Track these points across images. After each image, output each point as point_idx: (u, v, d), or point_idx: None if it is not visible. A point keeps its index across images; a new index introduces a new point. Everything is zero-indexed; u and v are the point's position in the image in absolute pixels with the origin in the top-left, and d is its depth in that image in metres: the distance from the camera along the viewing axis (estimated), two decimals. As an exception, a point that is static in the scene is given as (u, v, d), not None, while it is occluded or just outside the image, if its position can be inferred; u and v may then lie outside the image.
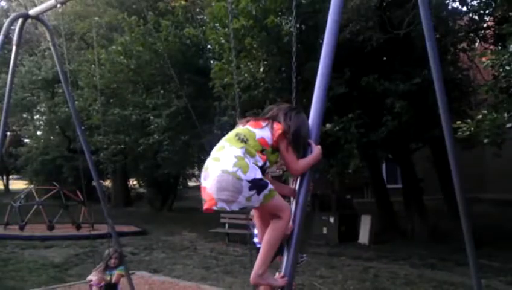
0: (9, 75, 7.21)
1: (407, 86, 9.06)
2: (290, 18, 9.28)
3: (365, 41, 9.38)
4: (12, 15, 7.10)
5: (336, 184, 15.81)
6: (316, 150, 2.78)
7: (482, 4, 9.92)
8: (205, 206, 2.62)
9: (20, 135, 27.26)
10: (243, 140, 2.69)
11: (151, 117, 10.96)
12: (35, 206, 14.24)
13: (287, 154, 2.71)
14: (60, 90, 16.49)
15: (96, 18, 14.45)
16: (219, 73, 10.21)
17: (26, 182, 28.63)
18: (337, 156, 9.65)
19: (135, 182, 27.74)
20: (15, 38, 7.03)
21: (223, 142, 2.74)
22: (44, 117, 22.98)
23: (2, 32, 6.78)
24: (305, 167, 2.77)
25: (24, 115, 24.59)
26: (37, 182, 25.10)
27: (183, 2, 14.09)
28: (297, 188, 2.79)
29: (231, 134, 2.77)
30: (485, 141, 6.51)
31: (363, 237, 11.54)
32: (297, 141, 2.74)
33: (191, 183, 28.49)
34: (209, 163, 2.66)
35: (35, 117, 25.29)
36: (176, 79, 9.57)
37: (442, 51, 10.30)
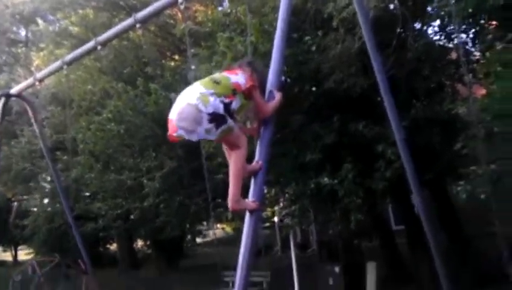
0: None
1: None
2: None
3: (350, 88, 9.36)
4: (-6, 95, 7.21)
5: (342, 230, 15.50)
6: (278, 96, 3.33)
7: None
8: (168, 133, 2.96)
9: (26, 205, 27.14)
10: (216, 81, 3.10)
11: (145, 181, 10.90)
12: (36, 280, 14.08)
13: (260, 99, 3.26)
14: (62, 158, 16.64)
15: (89, 86, 14.64)
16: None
17: (31, 252, 28.40)
18: (335, 209, 9.45)
19: (142, 243, 27.46)
20: (-2, 116, 7.17)
21: (196, 82, 3.14)
22: (47, 185, 22.96)
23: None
24: (273, 109, 3.28)
25: (31, 184, 24.60)
26: (44, 252, 24.86)
27: (172, 64, 14.34)
28: (262, 130, 3.27)
29: (207, 78, 3.22)
30: (482, 196, 6.55)
31: (370, 286, 11.17)
32: (262, 86, 3.33)
33: (199, 240, 28.18)
34: (178, 98, 3.02)
35: (41, 184, 25.25)
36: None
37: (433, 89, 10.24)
